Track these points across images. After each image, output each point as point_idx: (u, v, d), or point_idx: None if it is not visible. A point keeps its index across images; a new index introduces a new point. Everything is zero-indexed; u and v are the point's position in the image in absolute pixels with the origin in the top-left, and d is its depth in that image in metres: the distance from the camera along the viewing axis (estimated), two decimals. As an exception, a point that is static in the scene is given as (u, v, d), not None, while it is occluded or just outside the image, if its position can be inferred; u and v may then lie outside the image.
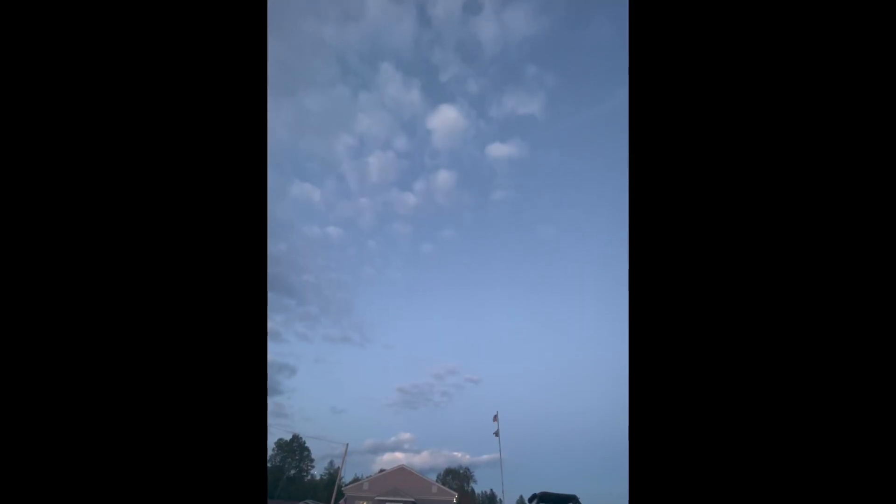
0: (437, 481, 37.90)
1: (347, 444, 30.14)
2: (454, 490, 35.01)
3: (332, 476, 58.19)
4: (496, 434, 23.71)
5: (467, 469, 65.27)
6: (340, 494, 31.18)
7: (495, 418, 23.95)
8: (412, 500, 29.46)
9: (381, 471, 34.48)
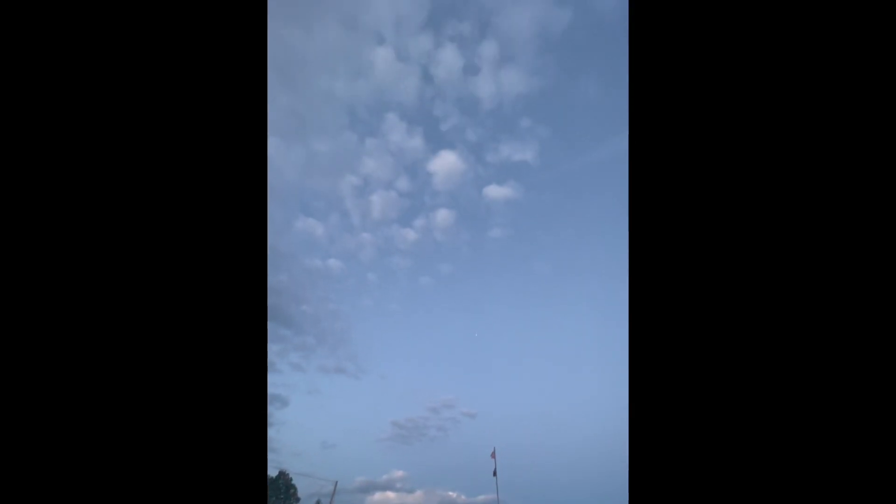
0: (428, 525, 35.80)
1: (336, 483, 28.74)
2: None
3: (318, 518, 54.98)
4: (494, 474, 22.72)
5: (463, 512, 62.04)
6: (325, 539, 29.30)
7: (493, 455, 23.04)
8: (401, 545, 27.68)
9: (370, 512, 32.60)
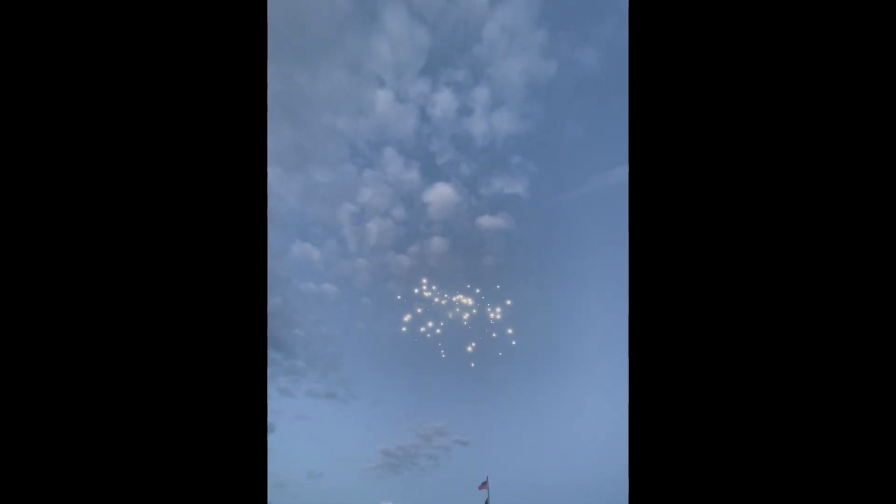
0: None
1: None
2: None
3: (303, 555, 51.86)
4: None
5: (455, 548, 59.09)
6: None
7: (483, 485, 22.16)
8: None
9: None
